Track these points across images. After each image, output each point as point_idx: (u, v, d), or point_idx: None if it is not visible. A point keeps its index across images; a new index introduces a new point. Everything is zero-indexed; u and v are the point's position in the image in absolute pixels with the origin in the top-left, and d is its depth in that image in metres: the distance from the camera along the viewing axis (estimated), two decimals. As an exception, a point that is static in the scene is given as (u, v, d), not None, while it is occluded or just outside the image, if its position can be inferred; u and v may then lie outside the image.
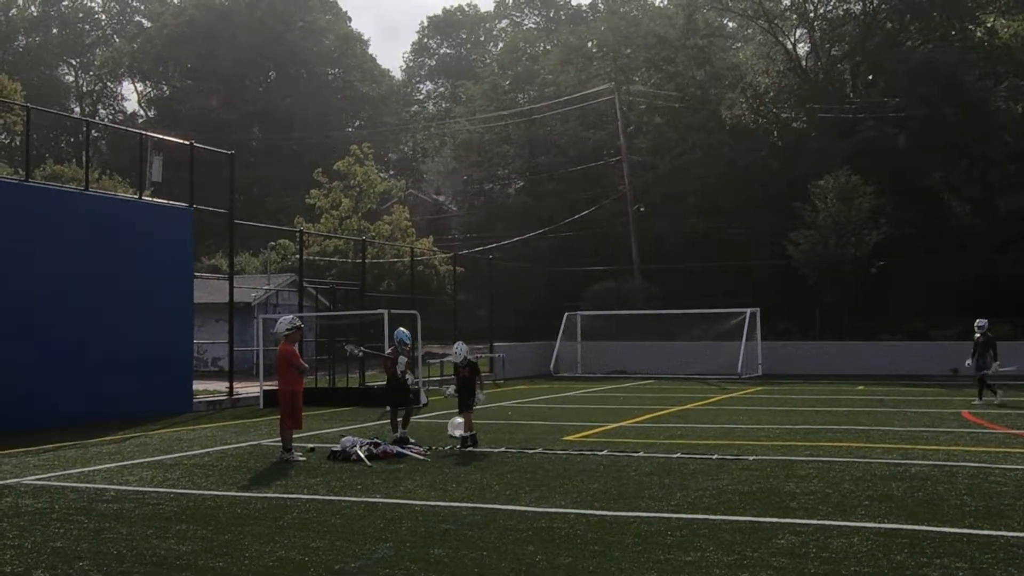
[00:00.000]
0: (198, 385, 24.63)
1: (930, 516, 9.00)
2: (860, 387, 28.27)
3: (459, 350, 14.96)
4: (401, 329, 15.77)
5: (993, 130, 44.32)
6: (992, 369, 21.61)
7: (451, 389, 15.30)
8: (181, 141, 26.46)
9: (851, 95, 48.69)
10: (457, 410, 14.88)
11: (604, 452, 13.72)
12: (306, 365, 14.32)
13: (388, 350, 15.99)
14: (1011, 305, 39.50)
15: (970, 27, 49.38)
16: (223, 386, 25.26)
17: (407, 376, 15.27)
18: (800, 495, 10.16)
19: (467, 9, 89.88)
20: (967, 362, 22.16)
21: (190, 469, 12.70)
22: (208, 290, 31.06)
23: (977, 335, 21.83)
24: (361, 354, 21.95)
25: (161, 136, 29.97)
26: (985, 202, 41.89)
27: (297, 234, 32.96)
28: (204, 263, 46.05)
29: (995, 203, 41.61)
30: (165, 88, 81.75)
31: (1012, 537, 8.09)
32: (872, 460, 12.74)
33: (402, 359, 15.19)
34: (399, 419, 15.01)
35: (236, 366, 25.97)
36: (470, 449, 14.11)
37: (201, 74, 75.66)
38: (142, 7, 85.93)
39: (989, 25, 49.16)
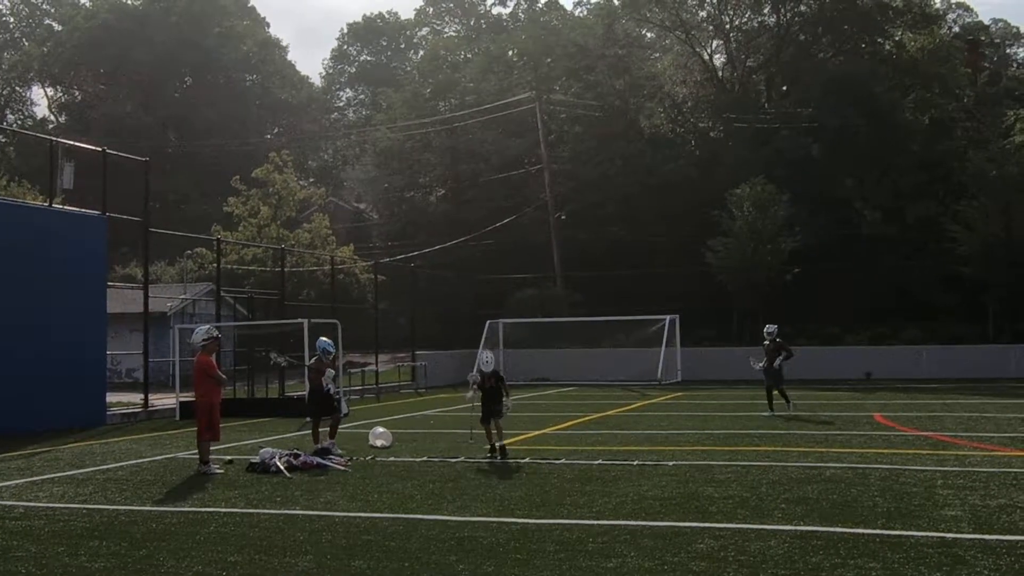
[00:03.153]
0: (112, 397, 24.04)
1: (844, 518, 9.20)
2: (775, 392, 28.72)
3: (488, 359, 14.70)
4: (323, 339, 15.56)
5: (902, 140, 45.63)
6: (757, 366, 20.77)
7: (469, 394, 14.85)
8: (93, 147, 25.84)
9: (766, 105, 49.71)
10: (377, 424, 14.78)
11: (526, 460, 13.75)
12: (224, 376, 14.08)
13: (311, 360, 15.74)
14: (920, 310, 40.72)
15: (879, 40, 50.85)
16: (138, 398, 24.70)
17: (330, 386, 15.04)
18: (719, 499, 10.31)
19: (387, 16, 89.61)
20: (757, 365, 20.97)
21: (103, 484, 12.38)
22: (122, 300, 30.36)
23: (767, 341, 21.04)
24: (286, 364, 21.58)
25: (73, 142, 29.24)
26: (895, 210, 43.08)
27: (214, 242, 32.43)
28: (118, 272, 45.00)
29: (904, 211, 42.81)
30: (77, 93, 79.74)
31: (922, 537, 8.31)
32: (788, 464, 12.98)
33: (329, 371, 14.96)
34: (325, 430, 14.79)
35: (152, 377, 25.42)
36: (502, 460, 13.71)
37: (115, 79, 74.02)
38: (52, 10, 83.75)
39: (897, 39, 50.67)
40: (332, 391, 15.11)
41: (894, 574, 7.13)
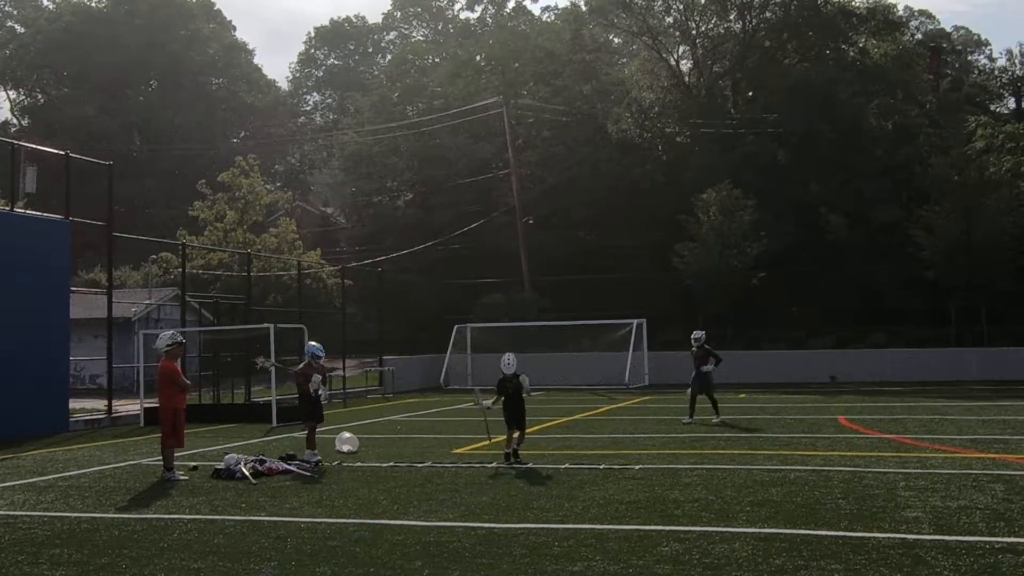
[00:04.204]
0: (75, 403, 23.81)
1: (807, 520, 9.28)
2: (742, 395, 28.99)
3: (510, 361, 14.33)
4: (312, 343, 15.22)
5: (866, 146, 46.12)
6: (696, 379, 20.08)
7: (488, 402, 14.63)
8: (56, 151, 25.57)
9: (732, 111, 50.05)
10: (344, 431, 14.70)
11: (493, 464, 13.76)
12: (188, 382, 13.99)
13: (300, 365, 15.37)
14: (884, 314, 41.13)
15: (843, 47, 51.37)
16: (102, 404, 24.46)
17: (320, 392, 14.74)
18: (684, 503, 10.37)
19: (355, 20, 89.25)
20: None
21: (65, 491, 12.24)
22: (86, 305, 30.06)
23: (694, 347, 20.42)
24: (273, 368, 21.06)
25: (35, 146, 28.92)
26: (860, 215, 43.49)
27: (180, 247, 32.18)
28: (82, 277, 44.54)
29: (869, 216, 43.24)
30: (40, 96, 78.79)
31: (884, 538, 8.40)
32: (753, 467, 13.07)
33: (316, 376, 14.79)
34: (315, 435, 14.58)
35: (116, 383, 25.20)
36: (519, 465, 13.56)
37: (79, 82, 73.21)
38: (15, 12, 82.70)
39: (861, 46, 51.23)
40: (322, 396, 14.87)
41: (856, 575, 7.21)
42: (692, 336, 20.89)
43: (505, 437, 14.16)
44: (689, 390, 20.53)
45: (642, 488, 11.40)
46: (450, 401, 29.44)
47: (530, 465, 13.56)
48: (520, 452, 14.04)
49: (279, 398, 23.05)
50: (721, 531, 8.86)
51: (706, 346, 20.51)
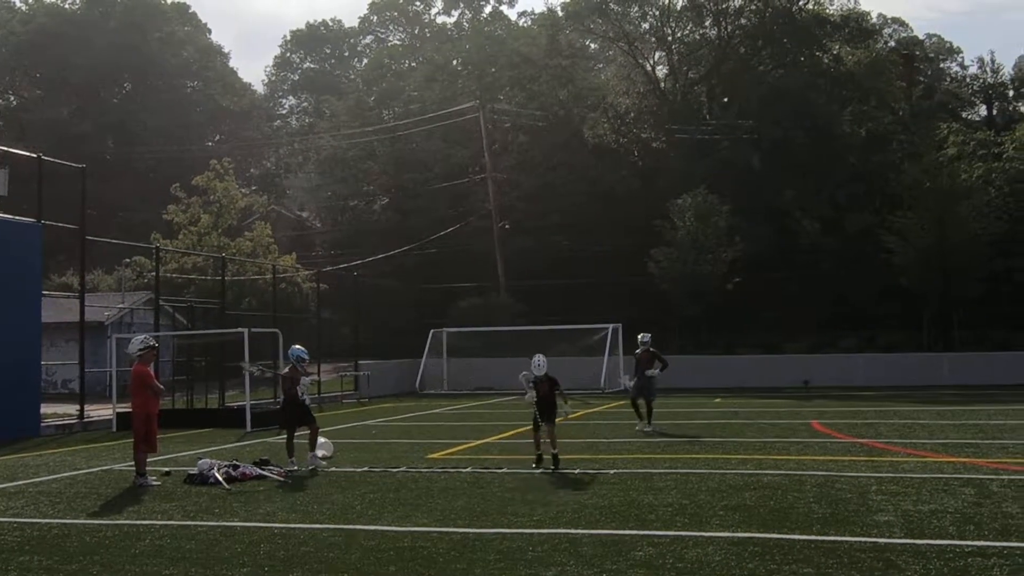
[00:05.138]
0: (47, 408, 23.56)
1: (780, 524, 9.33)
2: (717, 399, 29.11)
3: (540, 362, 14.10)
4: (297, 347, 14.96)
5: (839, 152, 46.47)
6: (622, 384, 19.68)
7: (528, 395, 14.28)
8: (28, 153, 25.34)
9: (707, 117, 50.31)
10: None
11: (468, 469, 13.75)
12: (161, 386, 13.89)
13: (285, 369, 15.10)
14: (858, 319, 41.44)
15: (817, 54, 51.75)
16: (74, 409, 24.21)
17: (305, 396, 14.58)
18: (658, 507, 10.39)
19: (331, 24, 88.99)
20: (625, 380, 19.99)
21: (35, 497, 12.12)
22: (58, 309, 29.78)
23: (638, 350, 19.76)
24: (258, 373, 20.77)
25: (7, 148, 28.62)
26: (834, 221, 43.81)
27: (153, 250, 31.97)
28: (54, 281, 44.11)
29: (842, 222, 43.56)
30: (12, 98, 78.13)
31: (855, 542, 8.46)
32: (727, 471, 13.13)
33: (305, 380, 14.68)
34: (303, 442, 14.45)
35: (88, 388, 24.97)
36: (555, 470, 13.39)
37: (52, 84, 72.60)
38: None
39: (835, 53, 51.61)
40: (308, 400, 14.75)
41: (827, 579, 7.26)
42: (638, 338, 20.22)
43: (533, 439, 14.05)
44: (631, 396, 19.87)
45: (617, 493, 11.42)
46: (425, 406, 29.39)
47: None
48: (548, 456, 13.80)
49: (253, 403, 22.96)
50: (695, 535, 8.89)
51: (652, 349, 19.75)
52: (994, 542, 8.40)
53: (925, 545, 8.31)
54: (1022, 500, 10.44)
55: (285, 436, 14.61)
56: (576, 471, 13.33)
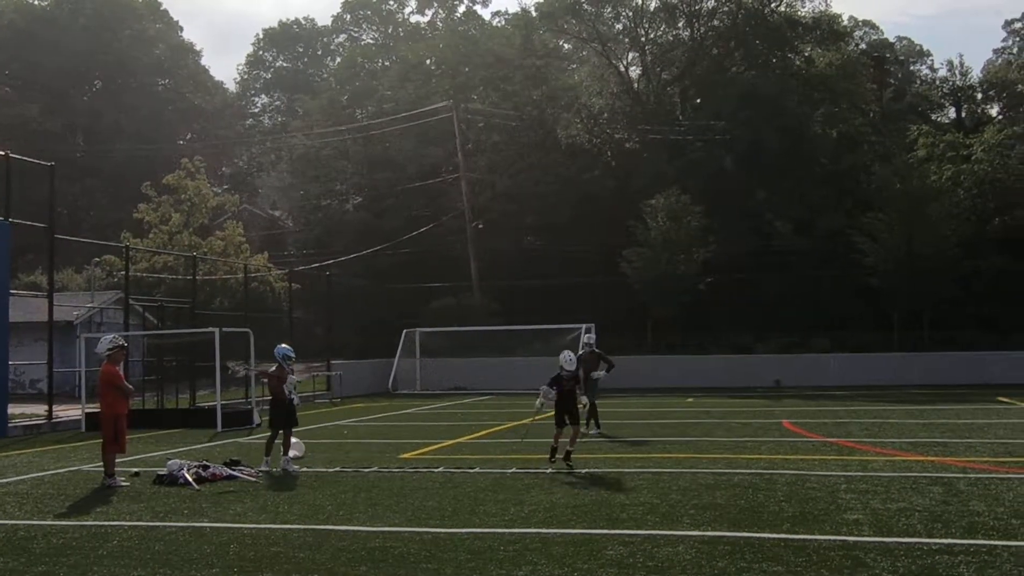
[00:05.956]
0: (14, 408, 23.28)
1: (750, 523, 9.38)
2: (689, 399, 29.22)
3: (571, 357, 14.06)
4: (283, 345, 14.85)
5: (811, 154, 46.74)
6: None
7: (538, 402, 14.27)
8: (-4, 151, 25.04)
9: (680, 117, 50.49)
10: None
11: (440, 469, 13.73)
12: (130, 387, 13.76)
13: (272, 368, 14.89)
14: (829, 320, 41.69)
15: (789, 56, 52.02)
16: (42, 409, 23.96)
17: (293, 395, 14.45)
18: (630, 506, 10.42)
19: (304, 22, 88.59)
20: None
21: (1, 498, 11.98)
22: (26, 308, 29.43)
23: (582, 351, 18.92)
24: (243, 373, 20.48)
25: (-26, 146, 28.29)
26: (805, 222, 44.06)
27: (123, 249, 31.70)
28: (22, 280, 43.65)
29: (814, 223, 43.82)
30: (-20, 96, 77.21)
31: (824, 540, 8.52)
32: (699, 470, 13.18)
33: (292, 378, 14.56)
34: (278, 442, 14.35)
35: (57, 388, 24.72)
36: (568, 470, 13.34)
37: (21, 81, 71.71)
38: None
39: (807, 55, 51.92)
40: (295, 401, 14.64)
41: (797, 577, 7.30)
42: (582, 339, 19.67)
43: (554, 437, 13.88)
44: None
45: (588, 492, 11.44)
46: (398, 406, 29.31)
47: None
48: (562, 457, 13.78)
49: (224, 403, 22.82)
50: (666, 534, 8.92)
51: (597, 350, 19.28)
52: (961, 540, 8.49)
53: (893, 543, 8.38)
54: (989, 498, 10.55)
55: (269, 435, 14.47)
56: (548, 471, 13.34)
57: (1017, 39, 63.83)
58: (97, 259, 42.67)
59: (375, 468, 13.99)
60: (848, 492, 11.07)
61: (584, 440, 16.12)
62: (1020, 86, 55.63)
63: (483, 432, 19.88)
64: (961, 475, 12.36)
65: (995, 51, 65.33)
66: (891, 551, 8.06)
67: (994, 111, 57.61)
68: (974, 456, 14.37)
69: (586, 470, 13.30)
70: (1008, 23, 64.69)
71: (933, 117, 55.58)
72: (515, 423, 22.08)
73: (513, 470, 13.49)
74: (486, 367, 37.51)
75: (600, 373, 18.88)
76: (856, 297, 41.87)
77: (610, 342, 38.95)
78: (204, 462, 13.57)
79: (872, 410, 23.87)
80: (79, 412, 22.85)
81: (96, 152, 67.72)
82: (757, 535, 8.79)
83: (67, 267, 48.39)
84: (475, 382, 36.83)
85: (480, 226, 48.92)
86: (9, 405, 22.22)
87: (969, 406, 24.47)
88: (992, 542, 8.40)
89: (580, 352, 18.72)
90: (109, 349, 13.29)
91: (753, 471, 12.96)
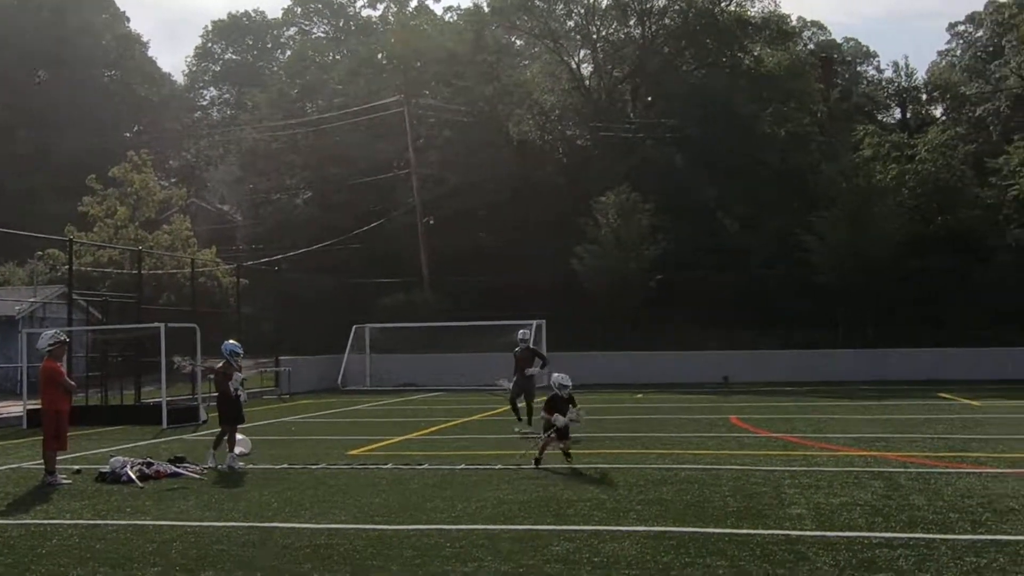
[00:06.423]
0: (-47, 405, 22.86)
1: (696, 518, 9.45)
2: (638, 395, 29.40)
3: (567, 382, 13.60)
4: (231, 341, 14.74)
5: (760, 152, 47.20)
6: (501, 385, 19.16)
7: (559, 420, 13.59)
8: (-65, 142, 24.51)
9: (631, 115, 50.73)
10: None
11: (388, 466, 13.68)
12: (72, 383, 13.53)
13: (219, 364, 14.79)
14: (777, 317, 42.15)
15: (739, 55, 52.49)
16: (-18, 406, 23.55)
17: (240, 392, 14.34)
18: (577, 502, 10.45)
19: (253, 15, 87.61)
20: (504, 382, 19.30)
21: (-62, 496, 11.74)
22: (-34, 303, 28.90)
23: (517, 348, 19.02)
24: (190, 369, 20.16)
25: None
26: (754, 220, 44.51)
27: (67, 243, 31.18)
28: (-37, 274, 42.80)
29: (763, 221, 44.27)
30: (-81, 85, 75.45)
31: (768, 535, 8.61)
32: (646, 465, 13.27)
33: (238, 375, 14.41)
34: (241, 437, 14.17)
35: (-3, 384, 24.27)
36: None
37: (-39, 71, 70.25)
38: None
39: (756, 54, 52.43)
40: (242, 398, 14.49)
41: (740, 571, 7.37)
42: (517, 335, 19.61)
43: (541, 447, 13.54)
44: (509, 396, 18.93)
45: (536, 488, 11.46)
46: (347, 402, 29.15)
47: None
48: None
49: (169, 399, 22.54)
50: (611, 530, 8.96)
51: (532, 347, 19.04)
52: (900, 533, 8.63)
53: (835, 537, 8.49)
54: (928, 493, 10.73)
55: (219, 431, 14.31)
56: (497, 466, 13.35)
57: (960, 42, 64.93)
58: (40, 253, 41.92)
59: (323, 465, 13.90)
60: (792, 487, 11.20)
61: (525, 436, 16.19)
62: (963, 88, 56.66)
63: (432, 428, 19.86)
64: (902, 470, 12.56)
65: (939, 53, 66.37)
66: (833, 545, 8.17)
67: (938, 112, 58.69)
68: (915, 451, 14.62)
69: (534, 466, 13.31)
70: (952, 26, 65.76)
71: (879, 117, 56.45)
72: (464, 419, 22.08)
73: (462, 466, 13.48)
74: (436, 363, 37.44)
75: (534, 370, 18.72)
76: (803, 294, 42.32)
77: (563, 339, 39.25)
78: (148, 459, 13.40)
79: (818, 406, 24.20)
80: (20, 408, 22.45)
81: (40, 144, 66.42)
82: (702, 530, 8.87)
83: (9, 261, 47.49)
84: (425, 378, 36.73)
85: (431, 222, 48.76)
86: (-53, 401, 21.80)
87: (911, 402, 24.91)
88: (931, 535, 8.54)
89: (515, 350, 18.93)
90: (50, 345, 13.05)
91: (699, 466, 13.07)
